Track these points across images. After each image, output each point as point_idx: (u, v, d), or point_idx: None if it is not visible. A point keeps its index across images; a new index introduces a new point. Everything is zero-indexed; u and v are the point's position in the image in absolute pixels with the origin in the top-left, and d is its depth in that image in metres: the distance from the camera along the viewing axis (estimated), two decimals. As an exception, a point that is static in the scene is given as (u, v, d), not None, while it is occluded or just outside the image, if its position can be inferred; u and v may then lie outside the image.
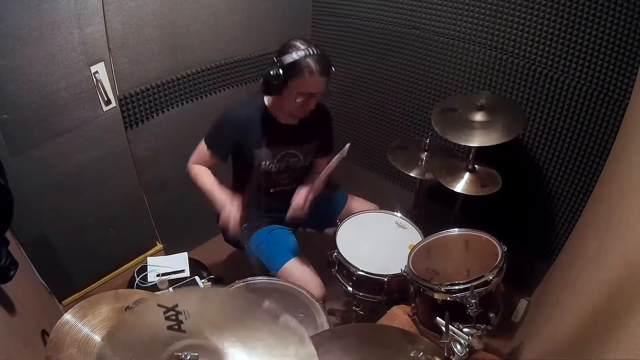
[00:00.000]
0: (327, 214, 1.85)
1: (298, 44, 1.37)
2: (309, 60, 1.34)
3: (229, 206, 1.43)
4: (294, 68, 1.35)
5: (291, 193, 1.70)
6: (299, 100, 1.41)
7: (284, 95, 1.42)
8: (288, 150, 1.61)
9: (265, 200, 1.71)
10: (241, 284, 1.43)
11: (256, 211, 1.73)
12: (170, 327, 0.81)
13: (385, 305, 1.53)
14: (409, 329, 1.35)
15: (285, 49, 1.38)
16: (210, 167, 1.59)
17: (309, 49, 1.35)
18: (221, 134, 1.54)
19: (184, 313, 0.83)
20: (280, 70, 1.36)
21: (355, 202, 1.85)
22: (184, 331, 0.81)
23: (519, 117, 1.58)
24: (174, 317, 0.82)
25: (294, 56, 1.35)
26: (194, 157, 1.59)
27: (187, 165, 1.60)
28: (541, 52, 1.61)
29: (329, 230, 1.80)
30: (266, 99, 1.54)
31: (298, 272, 1.56)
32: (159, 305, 0.82)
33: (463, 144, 1.54)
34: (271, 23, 2.14)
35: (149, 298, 1.22)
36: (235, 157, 1.62)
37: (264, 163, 1.59)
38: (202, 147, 1.57)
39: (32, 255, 1.63)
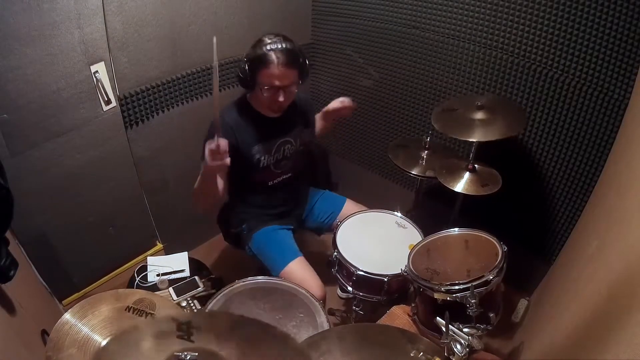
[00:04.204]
0: (324, 217, 1.86)
1: (265, 38, 1.42)
2: (271, 52, 1.39)
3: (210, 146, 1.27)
4: (258, 60, 1.41)
5: (288, 183, 1.73)
6: (265, 93, 1.45)
7: (256, 90, 1.48)
8: (283, 139, 1.64)
9: (264, 196, 1.72)
10: (241, 283, 1.43)
11: (256, 209, 1.74)
12: (179, 337, 0.82)
13: (385, 305, 1.53)
14: (409, 329, 1.35)
15: (254, 44, 1.43)
16: None
17: (275, 42, 1.39)
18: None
19: (197, 327, 0.83)
20: (247, 65, 1.43)
21: (353, 206, 1.85)
22: (193, 341, 0.82)
23: (519, 117, 1.58)
24: (185, 329, 0.82)
25: (257, 50, 1.40)
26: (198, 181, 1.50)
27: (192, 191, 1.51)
28: (541, 52, 1.61)
29: (326, 234, 1.81)
30: (248, 97, 1.58)
31: (299, 274, 1.58)
32: (173, 319, 0.83)
33: (463, 139, 1.54)
34: (271, 23, 2.13)
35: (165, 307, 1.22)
36: (232, 162, 1.61)
37: (262, 158, 1.60)
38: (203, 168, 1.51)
39: (32, 255, 1.64)
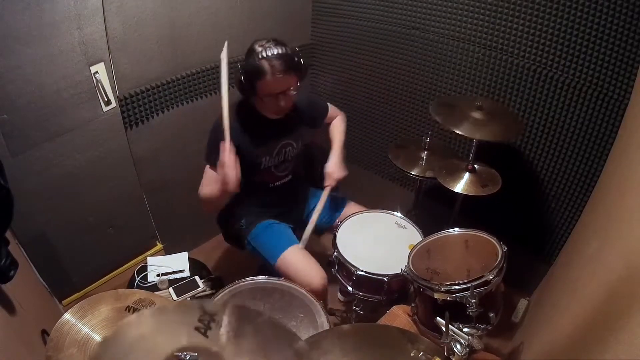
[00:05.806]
0: (324, 218, 1.85)
1: (256, 47, 1.39)
2: (264, 62, 1.36)
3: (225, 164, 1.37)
4: (253, 71, 1.38)
5: (288, 185, 1.74)
6: (267, 101, 1.44)
7: (258, 97, 1.46)
8: (284, 141, 1.64)
9: (264, 197, 1.72)
10: (241, 283, 1.43)
11: (255, 208, 1.74)
12: (197, 328, 0.81)
13: (385, 305, 1.53)
14: (409, 329, 1.35)
15: (248, 53, 1.41)
16: None
17: (267, 49, 1.36)
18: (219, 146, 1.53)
19: (218, 322, 0.82)
20: (242, 77, 1.40)
21: (354, 208, 1.85)
22: (207, 337, 0.81)
23: (515, 125, 1.58)
24: (206, 321, 0.82)
25: (250, 61, 1.38)
26: (203, 184, 1.54)
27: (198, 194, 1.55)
28: (541, 52, 1.61)
29: (326, 234, 1.81)
30: (250, 99, 1.57)
31: (298, 260, 1.57)
32: (200, 307, 0.82)
33: (465, 134, 1.50)
34: (271, 23, 2.13)
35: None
36: None
37: (264, 160, 1.60)
38: (207, 171, 1.53)
39: (32, 255, 1.64)
